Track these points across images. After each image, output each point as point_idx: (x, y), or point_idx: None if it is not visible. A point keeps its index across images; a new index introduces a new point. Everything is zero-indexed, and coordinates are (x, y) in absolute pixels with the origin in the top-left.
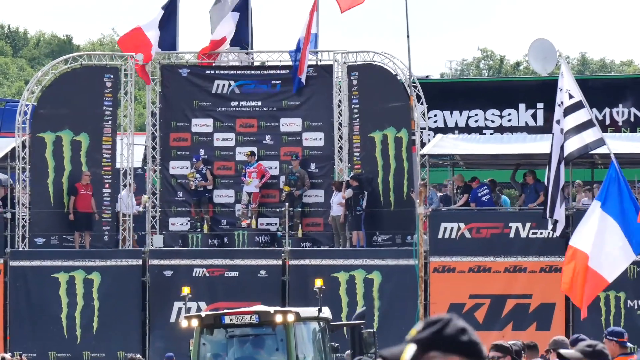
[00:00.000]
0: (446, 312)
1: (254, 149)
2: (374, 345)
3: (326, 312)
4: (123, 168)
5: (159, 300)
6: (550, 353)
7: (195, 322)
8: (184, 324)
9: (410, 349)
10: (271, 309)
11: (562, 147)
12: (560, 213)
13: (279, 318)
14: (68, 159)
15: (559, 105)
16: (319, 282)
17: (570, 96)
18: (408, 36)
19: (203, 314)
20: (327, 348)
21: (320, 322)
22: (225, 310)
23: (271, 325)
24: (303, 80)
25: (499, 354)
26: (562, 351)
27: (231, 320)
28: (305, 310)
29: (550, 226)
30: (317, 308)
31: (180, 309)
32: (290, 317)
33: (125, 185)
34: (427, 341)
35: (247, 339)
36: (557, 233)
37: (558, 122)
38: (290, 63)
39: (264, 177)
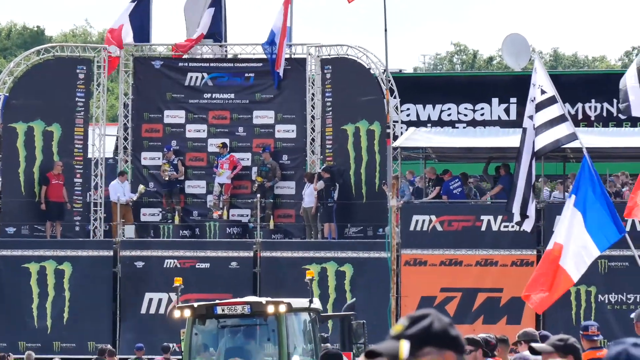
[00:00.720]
0: (417, 306)
1: (226, 141)
2: (363, 335)
3: (316, 303)
4: (94, 158)
5: (130, 291)
6: (520, 345)
7: (187, 313)
8: (176, 314)
9: (406, 345)
10: (263, 299)
11: (533, 142)
12: (531, 209)
13: (270, 309)
14: (40, 148)
15: (532, 100)
16: (309, 274)
17: (543, 92)
18: (386, 30)
19: (195, 304)
20: (317, 339)
21: (311, 313)
22: (217, 301)
23: (263, 315)
24: (281, 73)
25: (470, 347)
26: (534, 345)
27: (223, 310)
28: (296, 301)
29: (515, 219)
30: (308, 299)
31: (151, 299)
32: (282, 308)
33: (96, 175)
34: (419, 337)
35: (239, 329)
36: (528, 228)
37: (531, 117)
38: (264, 56)
39: (235, 168)
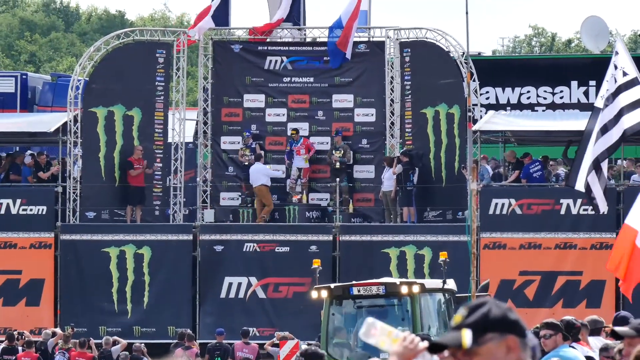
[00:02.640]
0: (497, 289)
1: (299, 127)
2: None
3: (451, 284)
4: (174, 143)
5: (209, 275)
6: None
7: (325, 294)
8: (314, 294)
9: (468, 334)
10: (397, 280)
11: (608, 122)
12: (597, 190)
13: (404, 289)
14: (120, 133)
15: (607, 81)
16: (443, 255)
17: (625, 73)
18: (467, 13)
19: (332, 285)
20: (452, 319)
21: (445, 294)
22: (354, 282)
23: (397, 296)
24: (348, 55)
25: (550, 331)
26: (617, 329)
27: (359, 291)
28: (430, 282)
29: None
30: (442, 280)
31: (230, 283)
32: (416, 289)
33: (176, 160)
34: (480, 324)
35: (374, 310)
36: (602, 209)
37: (603, 97)
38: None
39: (310, 152)
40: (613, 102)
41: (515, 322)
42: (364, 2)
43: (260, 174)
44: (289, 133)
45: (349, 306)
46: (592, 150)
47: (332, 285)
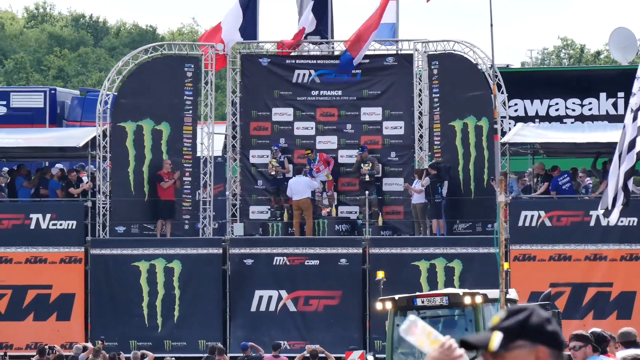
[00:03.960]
0: (527, 301)
1: (328, 140)
2: (558, 324)
3: (512, 294)
4: (203, 157)
5: (239, 288)
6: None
7: (389, 305)
8: (378, 306)
9: (497, 337)
10: (460, 291)
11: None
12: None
13: (467, 300)
14: (149, 147)
15: (634, 94)
16: (506, 265)
17: None
18: (492, 25)
19: (396, 296)
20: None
21: (507, 304)
22: (417, 293)
23: (460, 306)
24: (356, 62)
25: (580, 343)
26: None
27: (423, 302)
28: (492, 292)
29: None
30: (504, 290)
31: (261, 297)
32: (478, 299)
33: (205, 174)
34: (513, 330)
35: (438, 320)
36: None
37: (632, 110)
38: (373, 52)
39: (329, 164)
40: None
41: (552, 333)
42: (391, 14)
43: (305, 186)
44: (317, 147)
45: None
46: (620, 167)
47: (397, 297)
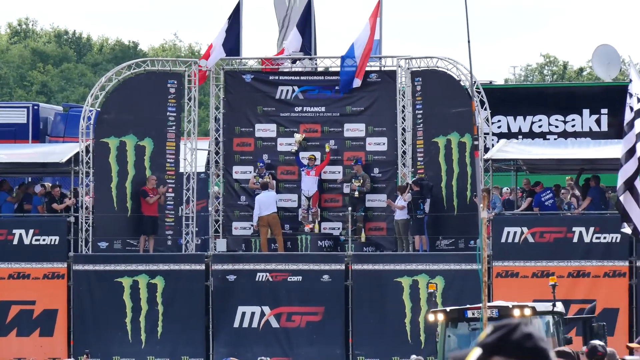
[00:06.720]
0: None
1: (317, 154)
2: (603, 337)
3: (559, 307)
4: (186, 172)
5: (222, 304)
6: None
7: (441, 317)
8: (430, 317)
9: (475, 353)
10: (510, 303)
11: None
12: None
13: (516, 312)
14: (132, 163)
15: (629, 107)
16: (552, 280)
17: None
18: (469, 41)
19: (448, 308)
20: (561, 340)
21: (555, 316)
22: (468, 306)
23: (510, 318)
24: (358, 84)
25: None
26: (628, 358)
27: (473, 314)
28: (540, 305)
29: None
30: (551, 303)
31: (244, 313)
32: (527, 312)
33: (188, 190)
34: (492, 345)
35: None
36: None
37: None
38: (354, 69)
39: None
40: (632, 129)
41: (532, 349)
42: (376, 31)
43: (272, 201)
44: (305, 162)
45: (464, 328)
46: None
47: (448, 309)
